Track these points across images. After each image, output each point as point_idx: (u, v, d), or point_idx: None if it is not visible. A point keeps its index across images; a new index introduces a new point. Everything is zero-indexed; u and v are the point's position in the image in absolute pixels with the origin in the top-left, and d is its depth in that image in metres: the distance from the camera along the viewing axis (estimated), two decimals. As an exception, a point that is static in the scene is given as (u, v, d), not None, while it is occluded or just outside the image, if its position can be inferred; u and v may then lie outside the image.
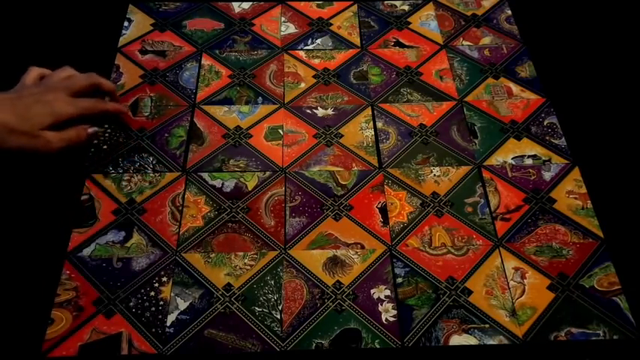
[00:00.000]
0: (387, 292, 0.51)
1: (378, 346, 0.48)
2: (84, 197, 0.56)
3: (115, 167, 0.59)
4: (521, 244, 0.54)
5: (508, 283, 0.52)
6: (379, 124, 0.63)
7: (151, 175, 0.58)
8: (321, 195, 0.57)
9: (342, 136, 0.62)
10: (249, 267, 0.52)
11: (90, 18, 0.73)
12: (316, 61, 0.70)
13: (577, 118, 0.64)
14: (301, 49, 0.71)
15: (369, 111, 0.65)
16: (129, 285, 0.51)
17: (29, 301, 0.50)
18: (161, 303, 0.50)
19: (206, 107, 0.64)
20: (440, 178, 0.59)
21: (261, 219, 0.56)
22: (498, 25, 0.74)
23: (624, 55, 0.71)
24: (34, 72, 0.56)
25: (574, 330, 0.49)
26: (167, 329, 0.49)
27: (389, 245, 0.54)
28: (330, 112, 0.64)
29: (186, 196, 0.57)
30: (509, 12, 0.76)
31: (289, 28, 0.73)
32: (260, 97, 0.66)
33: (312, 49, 0.71)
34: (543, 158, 0.61)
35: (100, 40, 0.70)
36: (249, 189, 0.58)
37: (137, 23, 0.73)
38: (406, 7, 0.76)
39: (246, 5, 0.76)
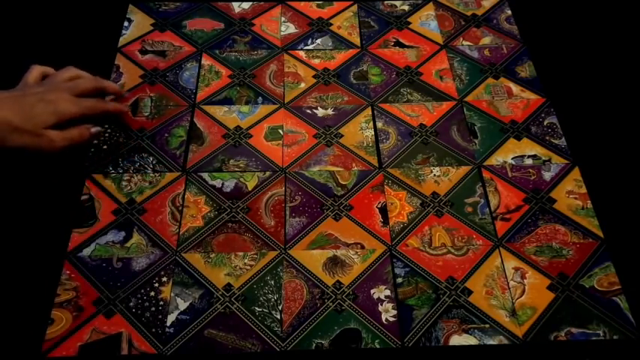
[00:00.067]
0: (387, 292, 0.51)
1: (378, 346, 0.48)
2: (84, 197, 0.56)
3: (115, 167, 0.59)
4: (522, 244, 0.54)
5: (508, 283, 0.52)
6: (379, 124, 0.63)
7: (151, 175, 0.58)
8: (321, 195, 0.57)
9: (342, 136, 0.62)
10: (249, 267, 0.52)
11: (90, 18, 0.73)
12: (316, 61, 0.70)
13: (577, 118, 0.64)
14: (301, 49, 0.71)
15: (369, 111, 0.65)
16: (129, 285, 0.51)
17: (29, 301, 0.50)
18: (161, 303, 0.50)
19: (206, 107, 0.65)
20: (440, 178, 0.59)
21: (261, 219, 0.56)
22: (498, 25, 0.74)
23: (624, 55, 0.71)
24: (36, 70, 0.56)
25: (574, 330, 0.49)
26: (167, 329, 0.49)
27: (389, 245, 0.54)
28: (330, 112, 0.64)
29: (186, 196, 0.57)
30: (509, 12, 0.76)
31: (289, 28, 0.73)
32: (260, 97, 0.66)
33: (312, 49, 0.71)
34: (543, 158, 0.61)
35: (100, 40, 0.70)
36: (249, 189, 0.58)
37: (137, 23, 0.73)
38: (406, 7, 0.76)
39: (246, 5, 0.76)
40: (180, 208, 0.56)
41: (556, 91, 0.67)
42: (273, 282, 0.52)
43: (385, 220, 0.56)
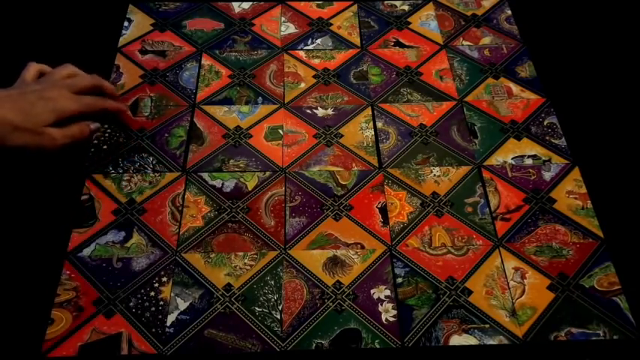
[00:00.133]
0: (387, 292, 0.51)
1: (378, 346, 0.48)
2: (84, 197, 0.56)
3: (115, 167, 0.59)
4: (522, 244, 0.54)
5: (508, 283, 0.52)
6: (379, 124, 0.63)
7: (151, 175, 0.58)
8: (321, 195, 0.57)
9: (342, 136, 0.62)
10: (249, 267, 0.52)
11: (90, 18, 0.73)
12: (316, 61, 0.70)
13: (577, 118, 0.64)
14: (301, 49, 0.71)
15: (369, 111, 0.65)
16: (129, 285, 0.51)
17: (29, 301, 0.50)
18: (161, 303, 0.50)
19: (206, 107, 0.64)
20: (440, 178, 0.59)
21: (261, 219, 0.56)
22: (498, 25, 0.74)
23: (624, 55, 0.71)
24: (33, 68, 0.56)
25: (574, 330, 0.49)
26: (167, 329, 0.49)
27: (389, 245, 0.54)
28: (330, 112, 0.64)
29: (186, 196, 0.57)
30: (509, 12, 0.76)
31: (289, 28, 0.73)
32: (260, 97, 0.66)
33: (312, 49, 0.71)
34: (543, 158, 0.61)
35: (100, 40, 0.71)
36: (249, 189, 0.58)
37: (137, 23, 0.73)
38: (406, 7, 0.76)
39: (246, 5, 0.76)
40: (181, 208, 0.56)
41: (556, 91, 0.67)
42: (273, 282, 0.52)
43: (385, 220, 0.56)
